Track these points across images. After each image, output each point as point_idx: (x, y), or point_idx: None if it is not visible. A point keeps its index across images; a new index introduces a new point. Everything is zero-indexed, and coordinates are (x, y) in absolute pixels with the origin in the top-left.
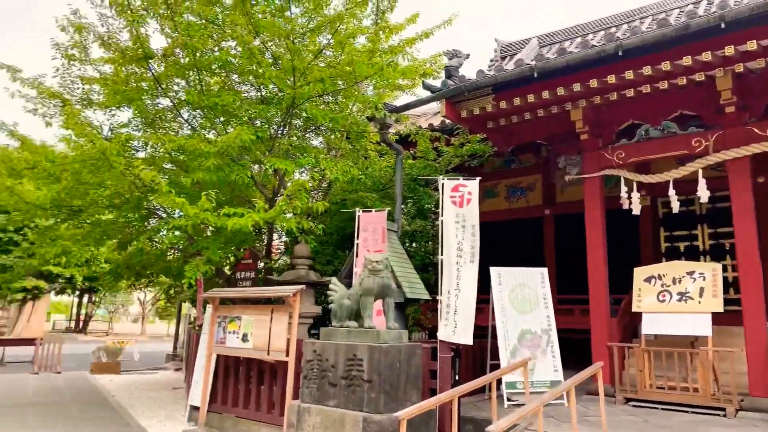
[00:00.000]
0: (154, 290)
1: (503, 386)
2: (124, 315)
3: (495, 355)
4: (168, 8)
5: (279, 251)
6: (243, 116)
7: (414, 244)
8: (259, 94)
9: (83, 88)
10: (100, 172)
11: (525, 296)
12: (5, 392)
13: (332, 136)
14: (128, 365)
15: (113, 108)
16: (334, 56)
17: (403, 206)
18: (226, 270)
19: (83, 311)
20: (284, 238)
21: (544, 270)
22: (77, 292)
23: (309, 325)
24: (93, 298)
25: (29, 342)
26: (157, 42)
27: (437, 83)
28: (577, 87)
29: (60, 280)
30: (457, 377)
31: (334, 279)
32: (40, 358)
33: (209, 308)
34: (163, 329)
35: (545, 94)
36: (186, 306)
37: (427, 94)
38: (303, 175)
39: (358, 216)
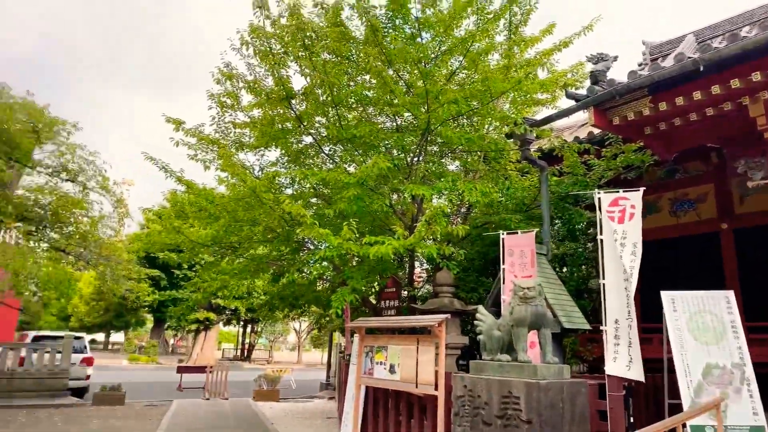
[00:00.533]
0: (308, 320)
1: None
2: (282, 344)
3: (671, 393)
4: (305, 49)
5: (421, 279)
6: (380, 146)
7: (564, 269)
8: (394, 123)
9: (235, 133)
10: (253, 209)
11: (707, 324)
12: (182, 417)
13: (468, 158)
14: (286, 393)
15: (262, 148)
16: (467, 76)
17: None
18: (372, 299)
19: (247, 340)
20: (425, 266)
21: (730, 293)
22: (241, 323)
23: (457, 357)
24: (255, 328)
25: (201, 369)
26: (297, 82)
27: (581, 92)
28: (756, 77)
29: (227, 312)
30: (631, 419)
31: (480, 308)
32: (210, 384)
33: (356, 338)
34: (318, 357)
35: (715, 90)
36: (336, 335)
37: (570, 104)
38: (441, 200)
39: (503, 239)
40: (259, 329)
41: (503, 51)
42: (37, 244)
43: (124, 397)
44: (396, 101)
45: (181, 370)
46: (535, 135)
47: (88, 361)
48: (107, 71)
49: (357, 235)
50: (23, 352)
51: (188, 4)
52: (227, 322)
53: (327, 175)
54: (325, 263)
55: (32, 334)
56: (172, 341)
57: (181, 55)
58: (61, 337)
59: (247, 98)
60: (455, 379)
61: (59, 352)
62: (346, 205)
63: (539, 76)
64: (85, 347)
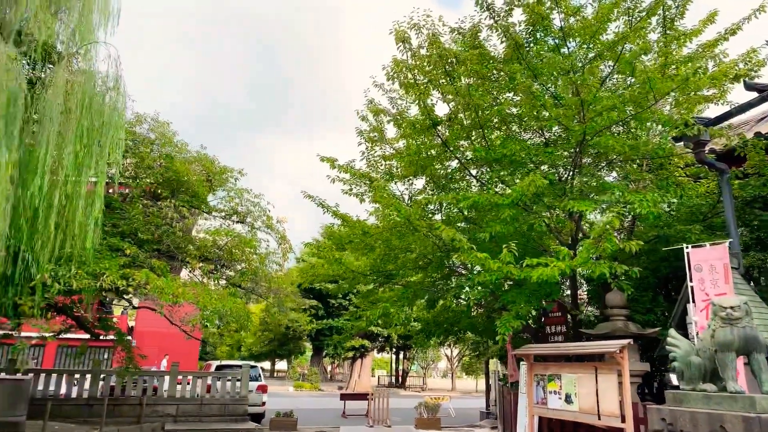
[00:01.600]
0: (460, 346)
1: None
2: (432, 370)
3: None
4: (447, 76)
5: (582, 301)
6: (528, 164)
7: (750, 283)
8: (542, 138)
9: (385, 165)
10: (405, 237)
11: None
12: None
13: (628, 167)
14: (446, 421)
15: (410, 177)
16: (620, 81)
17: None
18: (530, 324)
19: (400, 367)
20: (585, 287)
21: None
22: (393, 350)
23: (637, 385)
24: (407, 355)
25: (363, 396)
26: (439, 110)
27: (763, 82)
28: None
29: (379, 339)
30: None
31: (672, 332)
32: (372, 411)
33: (523, 366)
34: (470, 385)
35: None
36: (493, 362)
37: (750, 97)
38: (597, 215)
39: (688, 253)
40: (411, 356)
41: (659, 49)
42: (216, 282)
43: (296, 423)
44: (545, 115)
45: (344, 397)
46: (709, 135)
47: (263, 389)
48: (258, 121)
49: (515, 258)
50: (209, 380)
51: (331, 54)
52: (380, 349)
53: (479, 198)
54: (480, 288)
55: (215, 363)
56: (329, 368)
57: (319, 99)
58: (239, 366)
59: (391, 132)
60: (650, 411)
61: (239, 380)
62: (502, 227)
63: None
64: (259, 375)
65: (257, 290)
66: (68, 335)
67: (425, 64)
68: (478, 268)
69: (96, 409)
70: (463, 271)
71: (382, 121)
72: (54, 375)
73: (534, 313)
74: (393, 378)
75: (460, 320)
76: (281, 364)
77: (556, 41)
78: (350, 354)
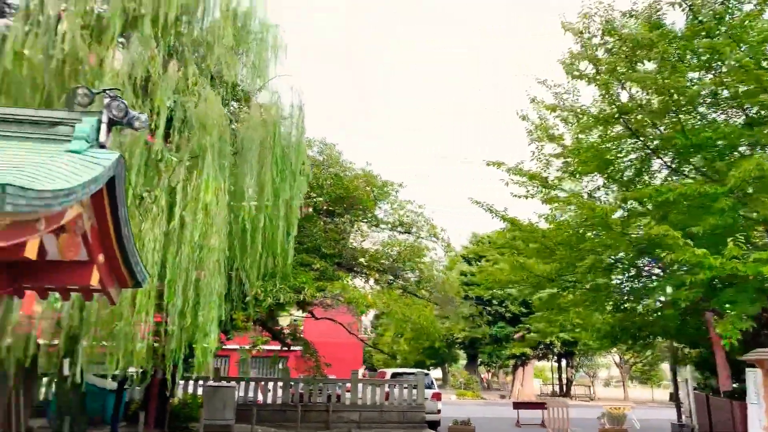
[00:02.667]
0: (635, 352)
1: None
2: (593, 378)
3: None
4: (627, 61)
5: None
6: (735, 147)
7: None
8: (739, 119)
9: (558, 163)
10: (589, 238)
11: None
12: None
13: None
14: None
15: (587, 174)
16: None
17: None
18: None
19: (564, 375)
20: None
21: None
22: (555, 357)
23: None
24: (570, 362)
25: (537, 405)
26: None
27: None
28: None
29: (540, 347)
30: None
31: None
32: (549, 421)
33: (753, 373)
34: (643, 394)
35: None
36: (687, 369)
37: None
38: None
39: None
40: (576, 364)
41: None
42: (389, 290)
43: (474, 431)
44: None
45: (517, 406)
46: None
47: (437, 396)
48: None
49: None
50: (387, 388)
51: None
52: (541, 357)
53: (686, 189)
54: (685, 290)
55: (389, 371)
56: (483, 376)
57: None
58: (413, 374)
59: (558, 130)
60: None
61: (415, 387)
62: (716, 219)
63: None
64: (432, 383)
65: (432, 298)
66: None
67: (602, 52)
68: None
69: (289, 414)
70: (655, 272)
71: (546, 118)
72: (252, 383)
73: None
74: (558, 387)
75: (650, 324)
76: (434, 373)
77: (757, 6)
78: (511, 362)
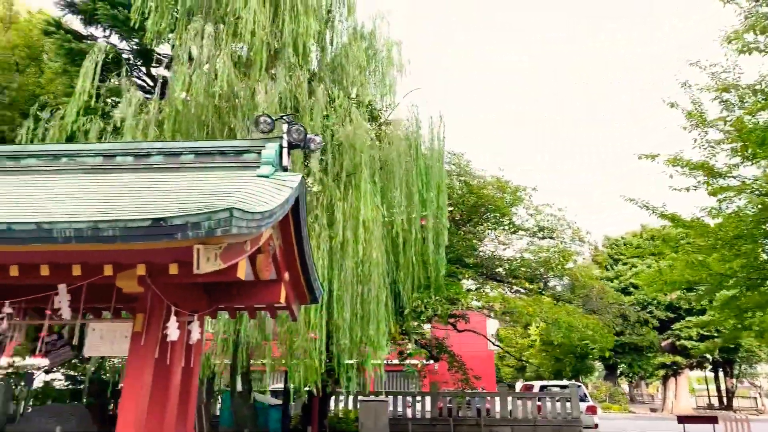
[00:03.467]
0: None
1: None
2: (761, 389)
3: None
4: None
5: None
6: None
7: None
8: None
9: (724, 150)
10: None
11: None
12: None
13: None
14: None
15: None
16: None
17: None
18: None
19: (722, 386)
20: None
21: None
22: (710, 367)
23: None
24: (730, 372)
25: (707, 420)
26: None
27: None
28: None
29: (693, 355)
30: None
31: None
32: None
33: None
34: None
35: None
36: None
37: None
38: None
39: None
40: (738, 373)
41: None
42: (536, 297)
43: None
44: None
45: (683, 420)
46: None
47: (592, 410)
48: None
49: None
50: (539, 401)
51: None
52: (696, 366)
53: None
54: None
55: (537, 383)
56: (623, 388)
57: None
58: (563, 387)
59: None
60: None
61: (569, 400)
62: None
63: None
64: (586, 395)
65: (590, 304)
66: None
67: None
68: None
69: (439, 428)
70: None
71: (699, 102)
72: (400, 397)
73: None
74: (716, 399)
75: None
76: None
77: None
78: (660, 372)
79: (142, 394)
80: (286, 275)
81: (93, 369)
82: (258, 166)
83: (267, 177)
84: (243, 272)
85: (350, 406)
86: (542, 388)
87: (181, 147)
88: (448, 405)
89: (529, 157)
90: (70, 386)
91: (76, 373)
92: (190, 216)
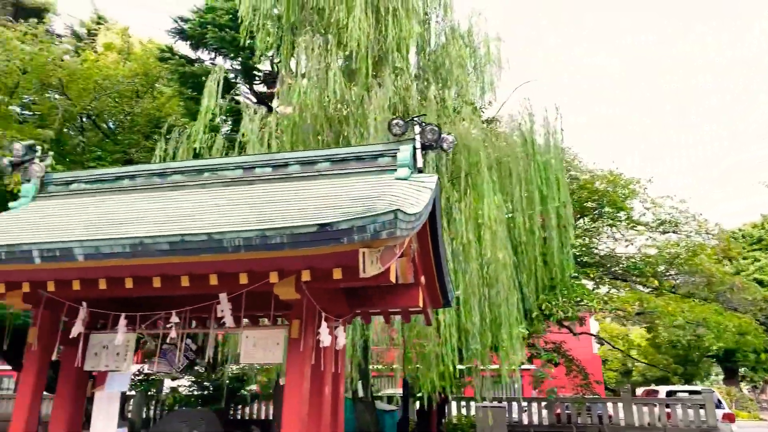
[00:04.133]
0: None
1: None
2: None
3: None
4: None
5: None
6: None
7: None
8: None
9: None
10: None
11: None
12: None
13: None
14: None
15: None
16: None
17: None
18: None
19: None
20: None
21: None
22: None
23: None
24: None
25: None
26: None
27: None
28: None
29: None
30: None
31: None
32: None
33: None
34: None
35: None
36: None
37: None
38: None
39: None
40: None
41: None
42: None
43: None
44: None
45: None
46: None
47: (730, 418)
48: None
49: None
50: (667, 408)
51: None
52: None
53: None
54: None
55: (664, 388)
56: (744, 391)
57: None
58: (694, 392)
59: None
60: None
61: (702, 406)
62: None
63: None
64: (720, 402)
65: (731, 303)
66: None
67: None
68: None
69: None
70: None
71: None
72: (514, 402)
73: None
74: None
75: None
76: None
77: None
78: None
79: (303, 401)
80: (423, 278)
81: (219, 375)
82: (394, 170)
83: (405, 179)
84: (394, 275)
85: (464, 411)
86: (669, 393)
87: (317, 155)
88: (566, 411)
89: (619, 160)
90: (195, 392)
91: (200, 380)
92: (356, 220)
